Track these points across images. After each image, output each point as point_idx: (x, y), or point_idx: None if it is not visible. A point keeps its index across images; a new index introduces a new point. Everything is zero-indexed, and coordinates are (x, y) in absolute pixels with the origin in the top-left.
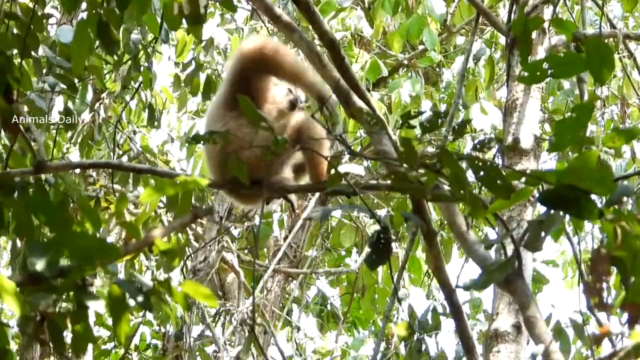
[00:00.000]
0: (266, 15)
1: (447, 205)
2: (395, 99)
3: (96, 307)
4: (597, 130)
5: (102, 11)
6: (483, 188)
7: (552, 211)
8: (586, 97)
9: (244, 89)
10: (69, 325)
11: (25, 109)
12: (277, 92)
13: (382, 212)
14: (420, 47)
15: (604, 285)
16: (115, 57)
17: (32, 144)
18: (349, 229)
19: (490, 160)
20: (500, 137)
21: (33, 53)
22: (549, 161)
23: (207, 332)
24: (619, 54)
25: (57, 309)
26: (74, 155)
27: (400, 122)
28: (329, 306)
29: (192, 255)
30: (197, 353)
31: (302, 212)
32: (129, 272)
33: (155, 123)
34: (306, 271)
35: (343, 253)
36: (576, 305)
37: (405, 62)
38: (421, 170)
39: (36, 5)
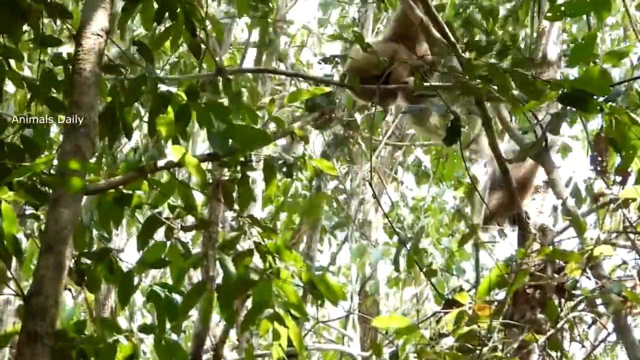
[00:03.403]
0: None
1: (496, 104)
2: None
3: (254, 175)
4: (605, 48)
5: None
6: None
7: (567, 108)
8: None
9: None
10: (236, 188)
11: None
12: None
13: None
14: None
15: (603, 157)
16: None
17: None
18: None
19: (526, 73)
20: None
21: None
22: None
23: (340, 186)
24: None
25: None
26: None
27: (464, 47)
28: (423, 167)
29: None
30: (333, 199)
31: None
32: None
33: None
34: (407, 144)
35: None
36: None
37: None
38: (478, 80)
39: None
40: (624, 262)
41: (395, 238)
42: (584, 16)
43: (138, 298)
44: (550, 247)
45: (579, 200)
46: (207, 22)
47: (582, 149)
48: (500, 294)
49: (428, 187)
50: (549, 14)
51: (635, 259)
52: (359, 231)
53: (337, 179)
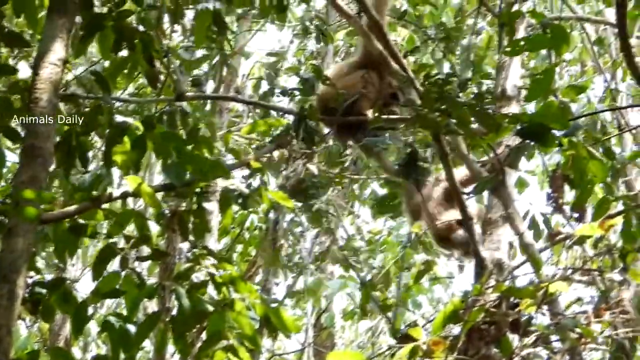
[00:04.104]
0: (332, 7)
1: (454, 137)
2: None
3: (209, 206)
4: (563, 83)
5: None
6: None
7: (525, 141)
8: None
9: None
10: (192, 219)
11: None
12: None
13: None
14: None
15: (559, 194)
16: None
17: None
18: (393, 149)
19: (484, 107)
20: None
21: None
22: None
23: (296, 219)
24: (579, 31)
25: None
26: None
27: (423, 80)
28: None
29: (286, 169)
30: (289, 233)
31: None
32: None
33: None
34: (364, 177)
35: None
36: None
37: (432, 36)
38: (437, 113)
39: None
40: (579, 299)
41: (351, 271)
42: (543, 51)
43: (93, 328)
44: (506, 283)
45: (537, 234)
46: (168, 49)
47: (538, 183)
48: (455, 329)
49: (384, 220)
50: (508, 49)
51: (591, 296)
52: (315, 264)
53: (293, 212)
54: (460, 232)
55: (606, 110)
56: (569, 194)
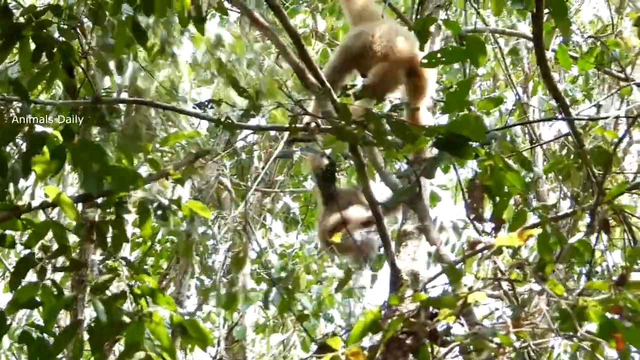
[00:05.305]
0: (248, 18)
1: (370, 149)
2: None
3: (128, 217)
4: (476, 97)
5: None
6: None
7: (442, 152)
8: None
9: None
10: (110, 230)
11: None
12: None
13: (328, 151)
14: None
15: (478, 204)
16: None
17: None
18: (306, 161)
19: (401, 119)
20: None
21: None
22: (442, 117)
23: (209, 231)
24: (491, 44)
25: (102, 218)
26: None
27: (340, 92)
28: (291, 214)
29: (199, 180)
30: (201, 246)
31: (275, 150)
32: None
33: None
34: (276, 190)
35: (302, 178)
36: (459, 216)
37: None
38: (354, 125)
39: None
40: (496, 309)
41: (263, 285)
42: (456, 66)
43: (5, 340)
44: (423, 293)
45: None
46: (89, 47)
47: (451, 198)
48: (372, 339)
49: (297, 234)
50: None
51: (507, 306)
52: (226, 277)
53: (206, 225)
54: (351, 236)
55: (520, 124)
56: (486, 206)
